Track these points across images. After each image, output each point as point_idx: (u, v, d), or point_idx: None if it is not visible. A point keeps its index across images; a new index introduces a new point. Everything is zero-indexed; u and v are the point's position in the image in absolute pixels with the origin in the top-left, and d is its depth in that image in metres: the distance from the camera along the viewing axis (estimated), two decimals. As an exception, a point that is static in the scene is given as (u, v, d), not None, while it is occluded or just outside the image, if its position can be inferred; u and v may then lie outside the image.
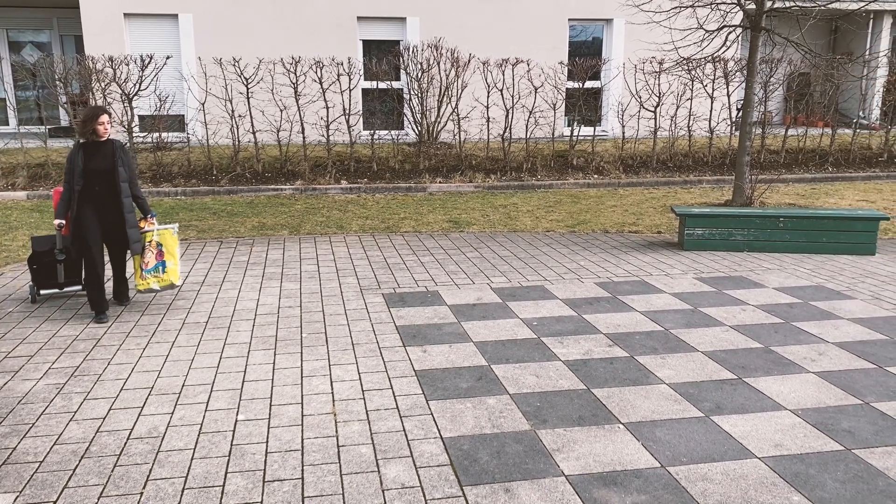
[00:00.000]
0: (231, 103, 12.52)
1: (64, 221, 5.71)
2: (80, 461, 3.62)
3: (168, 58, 12.90)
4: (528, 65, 13.52)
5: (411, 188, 12.23)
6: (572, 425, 3.99)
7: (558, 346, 5.15)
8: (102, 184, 5.63)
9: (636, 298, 6.30)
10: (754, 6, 9.81)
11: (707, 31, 10.23)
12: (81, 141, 5.71)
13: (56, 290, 6.24)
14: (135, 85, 12.20)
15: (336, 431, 3.92)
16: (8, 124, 16.74)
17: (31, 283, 6.16)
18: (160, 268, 5.86)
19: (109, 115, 5.75)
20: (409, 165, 13.10)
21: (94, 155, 5.63)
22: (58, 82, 12.40)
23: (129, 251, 5.90)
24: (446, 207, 10.74)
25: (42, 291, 6.20)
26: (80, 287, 6.26)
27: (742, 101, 10.75)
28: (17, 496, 3.33)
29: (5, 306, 6.09)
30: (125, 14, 14.29)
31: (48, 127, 14.71)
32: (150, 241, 5.88)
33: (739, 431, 3.92)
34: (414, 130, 13.97)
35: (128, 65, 12.25)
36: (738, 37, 10.69)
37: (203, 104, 12.60)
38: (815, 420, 4.06)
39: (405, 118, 14.29)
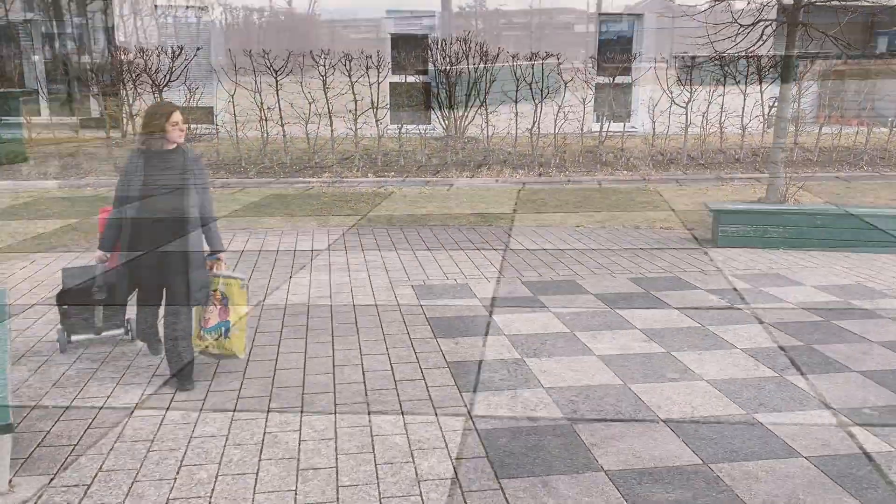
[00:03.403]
0: (260, 95, 12.52)
1: (109, 254, 4.36)
2: (113, 445, 3.60)
3: (199, 49, 12.94)
4: (558, 59, 13.38)
5: (438, 182, 12.16)
6: (610, 420, 3.89)
7: (593, 341, 5.05)
8: (170, 209, 4.20)
9: (671, 294, 6.17)
10: (791, 0, 9.59)
11: (742, 26, 10.02)
12: (142, 148, 4.24)
13: (92, 336, 4.85)
14: (165, 76, 12.26)
15: (369, 421, 3.86)
16: (40, 115, 16.93)
17: (59, 326, 4.81)
18: (222, 329, 4.36)
19: (182, 112, 4.29)
20: (437, 160, 13.03)
21: (160, 168, 4.18)
22: (89, 73, 12.50)
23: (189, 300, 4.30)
24: (474, 201, 10.65)
25: (74, 338, 4.80)
26: (122, 331, 4.93)
27: (776, 98, 10.53)
28: (52, 478, 3.32)
29: (38, 292, 6.12)
30: (156, 5, 14.36)
31: (79, 118, 14.86)
32: (214, 290, 4.39)
33: (784, 430, 3.80)
34: (441, 124, 13.90)
35: (158, 56, 12.31)
36: (773, 31, 10.46)
37: (232, 96, 12.62)
38: (863, 420, 3.93)
39: (432, 112, 14.21)
